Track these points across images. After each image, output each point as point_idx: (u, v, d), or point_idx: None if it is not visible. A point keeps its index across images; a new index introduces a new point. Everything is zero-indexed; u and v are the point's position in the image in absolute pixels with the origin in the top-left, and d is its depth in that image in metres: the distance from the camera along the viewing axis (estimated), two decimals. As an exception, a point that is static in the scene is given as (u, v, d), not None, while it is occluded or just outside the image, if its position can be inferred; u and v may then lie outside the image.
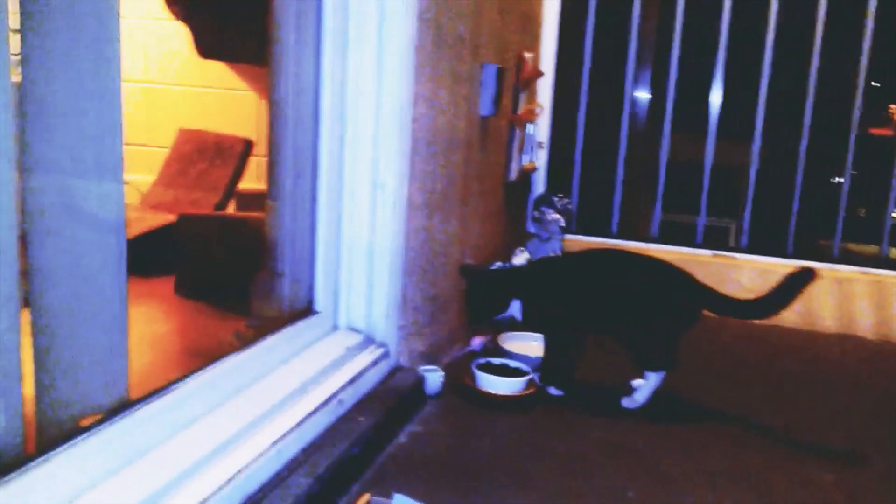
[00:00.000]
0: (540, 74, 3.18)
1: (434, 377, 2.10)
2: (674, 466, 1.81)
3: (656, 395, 2.11)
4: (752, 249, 3.27)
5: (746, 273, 3.13)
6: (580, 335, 2.23)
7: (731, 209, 4.66)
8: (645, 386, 2.10)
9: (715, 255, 3.25)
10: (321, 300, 1.99)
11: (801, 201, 3.25)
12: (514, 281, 2.26)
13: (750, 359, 2.74)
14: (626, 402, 2.13)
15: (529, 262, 2.95)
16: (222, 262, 2.94)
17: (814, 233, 3.93)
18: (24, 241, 1.16)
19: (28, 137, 1.16)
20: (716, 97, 3.27)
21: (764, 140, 3.26)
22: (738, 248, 3.31)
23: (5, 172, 1.07)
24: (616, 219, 3.47)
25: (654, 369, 2.09)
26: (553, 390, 2.18)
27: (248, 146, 3.76)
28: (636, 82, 3.48)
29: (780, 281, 2.03)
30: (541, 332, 2.28)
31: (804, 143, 3.20)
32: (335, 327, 2.03)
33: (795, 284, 2.03)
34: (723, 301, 2.12)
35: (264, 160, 3.91)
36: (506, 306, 2.19)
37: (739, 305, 2.13)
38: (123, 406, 1.32)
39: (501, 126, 2.80)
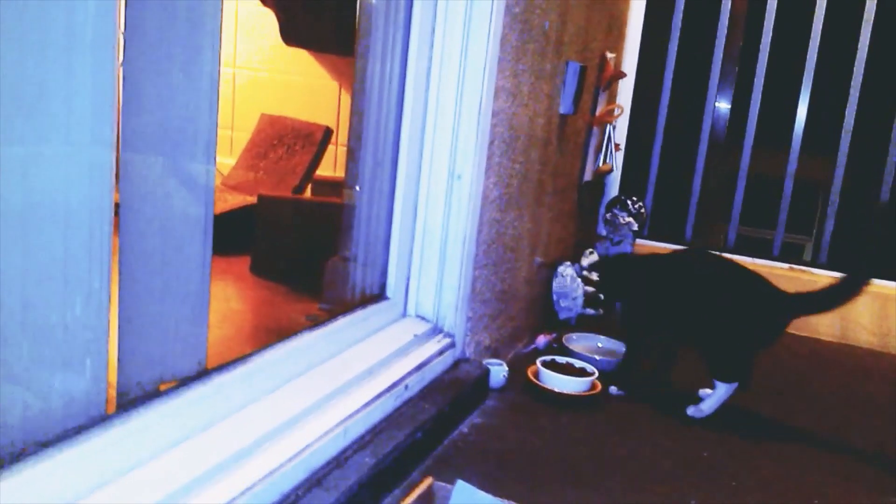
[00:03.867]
0: (622, 75, 3.14)
1: (498, 371, 2.11)
2: (739, 478, 1.78)
3: (726, 409, 2.07)
4: (830, 266, 3.18)
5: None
6: (667, 342, 2.24)
7: (806, 226, 4.54)
8: (713, 396, 2.07)
9: (791, 269, 3.17)
10: (392, 287, 2.02)
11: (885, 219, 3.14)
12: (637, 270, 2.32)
13: (821, 377, 2.66)
14: (691, 411, 2.10)
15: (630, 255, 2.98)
16: (298, 244, 3.00)
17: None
18: (118, 209, 1.21)
19: (126, 113, 1.21)
20: (801, 111, 3.19)
21: (848, 155, 3.16)
22: (814, 264, 3.22)
23: (105, 154, 1.12)
24: (691, 226, 3.42)
25: (726, 380, 2.05)
26: (614, 390, 2.16)
27: (327, 133, 3.82)
28: (718, 92, 3.42)
29: (843, 280, 1.98)
30: (625, 327, 2.32)
31: (893, 159, 3.09)
32: (404, 314, 2.05)
33: (856, 283, 1.97)
34: (807, 300, 2.03)
35: (342, 149, 4.00)
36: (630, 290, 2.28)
37: (818, 299, 2.02)
38: (201, 374, 1.36)
39: (580, 125, 2.78)
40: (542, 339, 2.49)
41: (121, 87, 1.18)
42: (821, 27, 3.12)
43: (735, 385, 2.06)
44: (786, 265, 3.19)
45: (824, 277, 3.08)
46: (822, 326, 3.08)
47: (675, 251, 2.67)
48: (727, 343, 2.06)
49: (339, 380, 1.61)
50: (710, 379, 2.08)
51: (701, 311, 2.08)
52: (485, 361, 2.12)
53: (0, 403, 1.03)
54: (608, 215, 3.24)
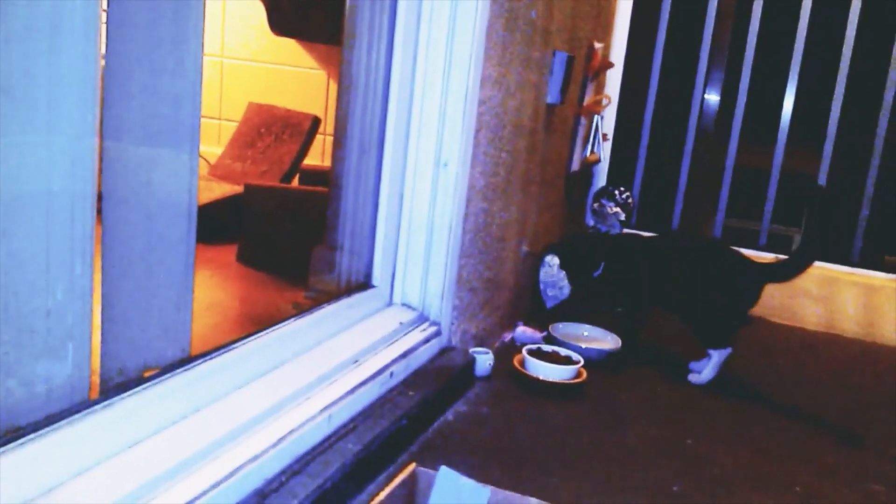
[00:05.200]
0: (609, 65, 3.15)
1: (484, 359, 2.12)
2: (723, 466, 1.80)
3: (710, 397, 2.11)
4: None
5: (812, 281, 3.07)
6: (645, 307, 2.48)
7: (794, 217, 4.56)
8: (710, 364, 2.24)
9: (776, 259, 3.18)
10: (378, 275, 2.02)
11: (870, 211, 3.17)
12: (605, 245, 2.59)
13: (806, 366, 2.69)
14: (693, 379, 2.27)
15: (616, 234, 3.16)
16: (285, 233, 3.00)
17: (881, 244, 3.83)
18: (100, 198, 1.21)
19: (109, 101, 1.20)
20: (788, 103, 3.21)
21: (834, 148, 3.18)
22: (802, 254, 3.23)
23: (87, 142, 1.12)
24: (678, 216, 3.43)
25: (718, 347, 2.23)
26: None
27: (315, 123, 3.82)
28: (707, 82, 3.43)
29: (804, 237, 2.25)
30: (617, 297, 2.58)
31: (877, 152, 3.11)
32: (390, 303, 2.06)
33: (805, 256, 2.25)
34: (779, 268, 2.29)
35: (329, 139, 3.99)
36: (598, 266, 2.45)
37: (785, 267, 2.28)
38: (184, 361, 1.36)
39: (567, 115, 2.79)
40: (521, 333, 2.47)
41: (103, 74, 1.18)
42: (808, 19, 3.13)
43: (729, 350, 2.23)
44: (772, 255, 3.20)
45: (811, 269, 3.10)
46: (809, 316, 3.11)
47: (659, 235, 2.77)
48: (714, 312, 2.25)
49: (324, 367, 1.62)
50: (704, 348, 2.27)
51: (687, 284, 2.28)
52: (471, 350, 2.13)
53: (-18, 389, 1.04)
54: (596, 205, 3.25)
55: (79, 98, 1.09)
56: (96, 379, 1.23)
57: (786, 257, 2.30)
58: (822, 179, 3.19)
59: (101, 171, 1.20)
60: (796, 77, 3.19)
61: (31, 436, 1.06)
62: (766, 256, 3.17)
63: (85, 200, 1.13)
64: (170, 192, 1.33)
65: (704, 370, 2.26)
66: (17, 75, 1.01)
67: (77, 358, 1.15)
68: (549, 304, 2.71)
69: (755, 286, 2.26)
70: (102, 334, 1.24)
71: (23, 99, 1.02)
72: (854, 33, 3.07)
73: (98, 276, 1.20)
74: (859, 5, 3.04)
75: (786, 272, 2.29)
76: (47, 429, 1.08)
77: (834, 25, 3.13)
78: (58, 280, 1.11)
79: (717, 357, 2.24)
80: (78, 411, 1.14)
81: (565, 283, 2.63)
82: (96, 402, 1.18)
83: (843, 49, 3.10)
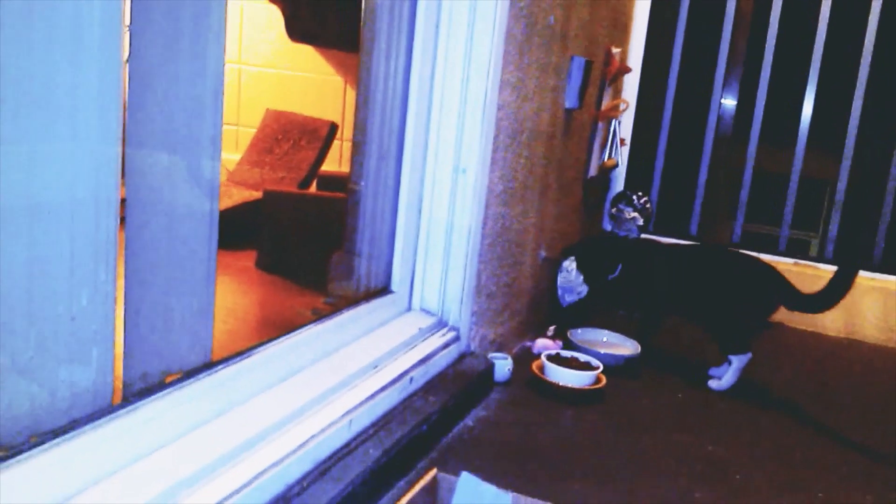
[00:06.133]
0: (627, 70, 3.14)
1: (503, 364, 2.11)
2: (745, 473, 1.78)
3: (731, 403, 2.10)
4: (836, 261, 3.17)
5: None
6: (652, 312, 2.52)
7: (812, 222, 4.53)
8: (731, 370, 2.23)
9: (796, 264, 3.16)
10: (397, 281, 2.02)
11: (891, 215, 3.14)
12: (622, 247, 2.61)
13: (827, 373, 2.66)
14: (713, 385, 2.26)
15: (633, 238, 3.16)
16: (303, 239, 3.01)
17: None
18: (124, 203, 1.22)
19: (132, 108, 1.21)
20: (807, 106, 3.18)
21: (854, 152, 3.16)
22: (821, 259, 3.21)
23: (111, 149, 1.13)
24: (696, 221, 3.41)
25: (739, 352, 2.22)
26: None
27: (333, 129, 3.83)
28: (724, 87, 3.41)
29: (833, 277, 2.16)
30: (631, 301, 2.58)
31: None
32: (409, 308, 2.06)
33: (846, 278, 2.16)
34: (796, 296, 2.24)
35: (347, 144, 4.01)
36: (615, 268, 2.45)
37: (807, 300, 2.23)
38: (206, 366, 1.37)
39: (585, 120, 2.78)
40: (542, 346, 2.44)
41: (127, 82, 1.19)
42: (827, 22, 3.11)
43: (749, 355, 2.22)
44: (791, 260, 3.18)
45: (829, 272, 3.07)
46: (829, 322, 3.08)
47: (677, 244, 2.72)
48: (734, 318, 2.26)
49: (343, 372, 1.62)
50: (724, 355, 2.26)
51: (707, 290, 2.29)
52: (490, 355, 2.13)
53: (7, 394, 1.04)
54: (613, 210, 3.24)
55: (102, 105, 1.10)
56: (119, 384, 1.23)
57: (810, 293, 2.22)
58: (843, 183, 3.17)
59: (123, 177, 1.21)
60: (816, 79, 3.16)
61: (55, 441, 1.07)
62: (785, 262, 3.16)
63: (108, 207, 1.14)
64: (192, 198, 1.34)
65: (725, 376, 2.25)
66: (40, 83, 1.02)
67: (101, 363, 1.16)
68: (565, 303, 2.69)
69: (776, 292, 2.25)
70: (125, 339, 1.25)
71: (46, 107, 1.03)
72: (874, 35, 3.04)
73: (121, 282, 1.21)
74: (880, 5, 3.02)
75: (803, 304, 2.25)
76: (71, 434, 1.09)
77: (854, 26, 3.10)
78: (82, 286, 1.12)
79: (737, 363, 2.23)
80: (101, 416, 1.15)
81: (583, 287, 2.62)
82: (119, 408, 1.18)
83: (864, 50, 3.07)
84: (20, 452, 1.03)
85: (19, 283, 1.04)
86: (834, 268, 3.10)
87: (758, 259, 2.32)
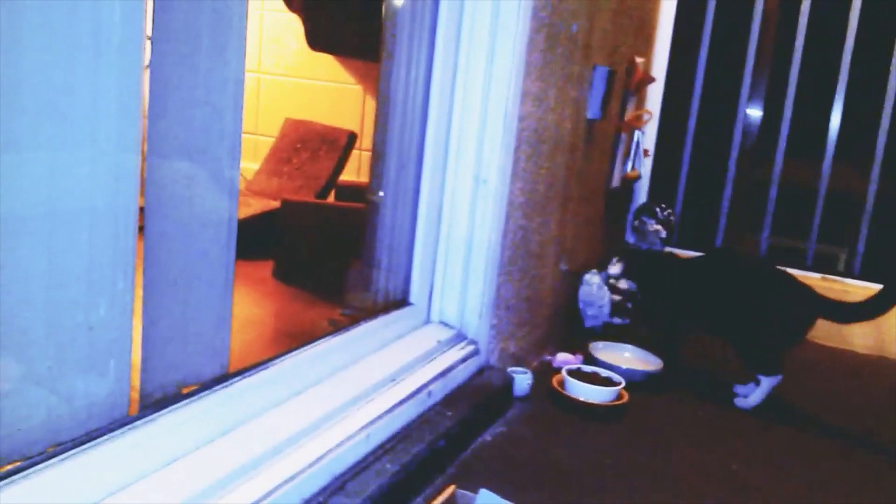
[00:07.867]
0: (651, 80, 3.11)
1: (522, 379, 2.08)
2: (770, 492, 1.74)
3: (756, 422, 2.06)
4: (864, 276, 3.11)
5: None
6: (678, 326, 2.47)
7: (838, 236, 4.46)
8: (759, 390, 2.18)
9: (824, 279, 3.11)
10: (416, 293, 2.00)
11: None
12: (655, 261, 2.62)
13: (855, 391, 2.61)
14: (739, 403, 2.21)
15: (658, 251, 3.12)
16: (321, 249, 3.00)
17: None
18: (142, 213, 1.20)
19: (152, 117, 1.21)
20: (835, 118, 3.14)
21: (882, 163, 3.11)
22: (848, 274, 3.15)
23: (130, 158, 1.12)
24: (721, 234, 3.37)
25: (769, 374, 2.17)
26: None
27: (352, 138, 3.82)
28: (749, 98, 3.37)
29: (881, 291, 2.10)
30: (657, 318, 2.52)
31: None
32: (428, 320, 2.04)
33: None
34: (836, 308, 2.18)
35: (366, 154, 4.00)
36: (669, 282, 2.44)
37: (848, 309, 2.17)
38: (223, 378, 1.35)
39: (607, 131, 2.75)
40: (562, 361, 2.41)
41: (146, 91, 1.18)
42: (855, 32, 3.06)
43: (780, 378, 2.17)
44: (819, 275, 3.13)
45: (857, 287, 3.03)
46: (857, 338, 3.02)
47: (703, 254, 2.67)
48: (766, 338, 2.20)
49: (361, 385, 1.60)
50: (753, 374, 2.21)
51: (739, 309, 2.23)
52: (509, 369, 2.10)
53: (24, 404, 1.03)
54: (636, 222, 3.20)
55: (121, 114, 1.09)
56: (136, 395, 1.22)
57: (845, 302, 2.19)
58: (871, 195, 3.12)
59: (143, 186, 1.20)
60: (843, 90, 3.11)
61: (72, 451, 1.06)
62: (813, 277, 3.11)
63: (128, 216, 1.13)
64: (211, 207, 1.33)
65: (752, 395, 2.20)
66: (60, 92, 1.01)
67: (118, 373, 1.15)
68: (588, 324, 2.67)
69: (810, 313, 2.19)
70: (143, 350, 1.24)
71: (66, 115, 1.02)
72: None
73: (139, 291, 1.20)
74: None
75: (844, 315, 2.21)
76: (88, 444, 1.08)
77: (882, 37, 3.05)
78: (100, 295, 1.11)
79: (766, 384, 2.18)
80: (118, 427, 1.14)
81: (605, 302, 2.59)
82: (136, 418, 1.17)
83: (893, 60, 3.02)
84: (38, 462, 1.02)
85: (38, 292, 1.03)
86: (862, 283, 3.09)
87: (793, 277, 2.24)
